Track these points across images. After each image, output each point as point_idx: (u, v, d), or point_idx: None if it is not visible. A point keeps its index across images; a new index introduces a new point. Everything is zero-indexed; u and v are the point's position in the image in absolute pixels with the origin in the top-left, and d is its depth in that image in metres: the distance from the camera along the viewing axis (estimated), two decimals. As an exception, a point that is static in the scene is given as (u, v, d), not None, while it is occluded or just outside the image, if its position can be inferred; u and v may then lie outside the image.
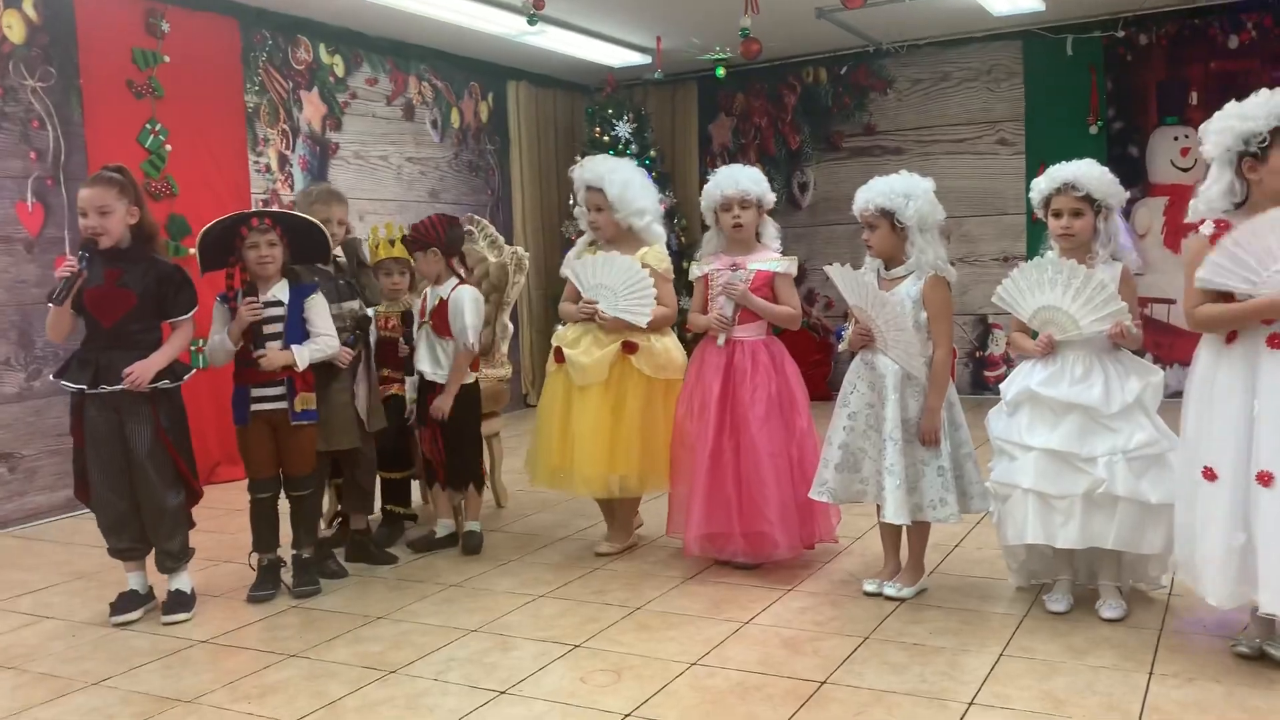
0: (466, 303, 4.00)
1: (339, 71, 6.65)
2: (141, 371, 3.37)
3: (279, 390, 3.59)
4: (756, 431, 3.68)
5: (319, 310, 3.68)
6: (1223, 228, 2.73)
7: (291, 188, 6.32)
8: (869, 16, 6.74)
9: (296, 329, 3.62)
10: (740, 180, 3.79)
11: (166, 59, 5.53)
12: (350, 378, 3.97)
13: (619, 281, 3.87)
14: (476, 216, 5.07)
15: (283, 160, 6.28)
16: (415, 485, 4.53)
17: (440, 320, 4.03)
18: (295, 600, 3.65)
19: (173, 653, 3.20)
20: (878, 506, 3.45)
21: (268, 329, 3.58)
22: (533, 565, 4.00)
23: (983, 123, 7.80)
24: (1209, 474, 2.76)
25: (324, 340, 3.68)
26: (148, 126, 5.45)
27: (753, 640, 3.14)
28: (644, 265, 3.92)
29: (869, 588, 3.50)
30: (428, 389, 4.08)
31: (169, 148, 5.54)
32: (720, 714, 2.63)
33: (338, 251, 4.09)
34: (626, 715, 2.64)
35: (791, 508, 3.69)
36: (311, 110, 6.48)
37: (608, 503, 4.16)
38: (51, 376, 3.65)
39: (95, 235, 3.36)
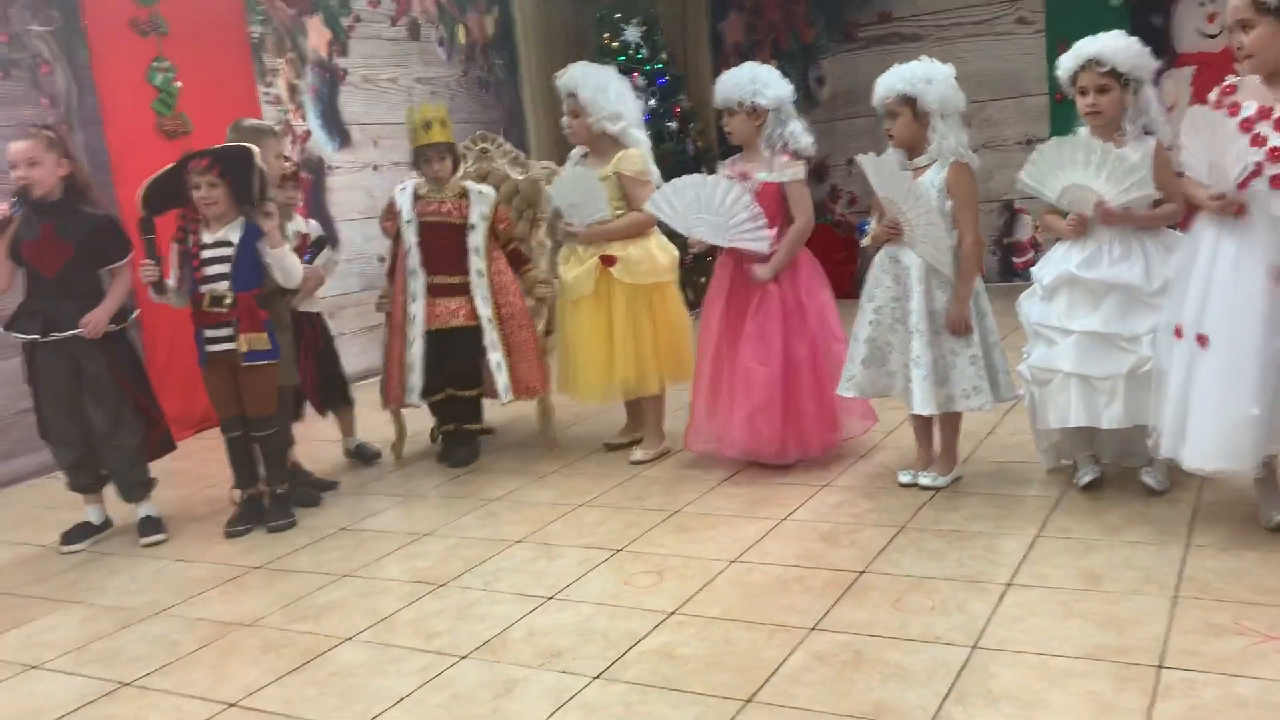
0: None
1: (341, -5, 6.54)
2: (96, 321, 3.60)
3: (229, 331, 3.62)
4: (749, 339, 3.72)
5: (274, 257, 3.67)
6: (1228, 92, 2.81)
7: (304, 118, 6.28)
8: (878, -102, 6.53)
9: (247, 269, 3.62)
10: (721, 87, 3.76)
11: (167, -7, 5.46)
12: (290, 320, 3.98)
13: (720, 208, 3.73)
14: (490, 134, 5.01)
15: (293, 90, 6.23)
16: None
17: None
18: (269, 534, 3.71)
19: (230, 579, 3.31)
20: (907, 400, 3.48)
21: (215, 269, 3.60)
22: (571, 476, 4.07)
23: (1001, 1, 7.59)
24: (1178, 333, 2.84)
25: (290, 258, 3.70)
26: (155, 64, 5.41)
27: (790, 536, 3.20)
28: (616, 172, 3.98)
29: (904, 479, 3.54)
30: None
31: (178, 84, 5.50)
32: (763, 607, 2.70)
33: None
34: (671, 613, 2.72)
35: (785, 414, 3.70)
36: (317, 37, 6.40)
37: (633, 403, 4.29)
38: (1, 328, 3.78)
39: (25, 185, 3.53)
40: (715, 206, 3.69)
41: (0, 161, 3.71)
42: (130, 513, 3.85)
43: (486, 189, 4.29)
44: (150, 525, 3.79)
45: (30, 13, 4.93)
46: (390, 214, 4.28)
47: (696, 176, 3.81)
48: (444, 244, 4.16)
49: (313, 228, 4.39)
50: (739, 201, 3.67)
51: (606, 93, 4.00)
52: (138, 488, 3.80)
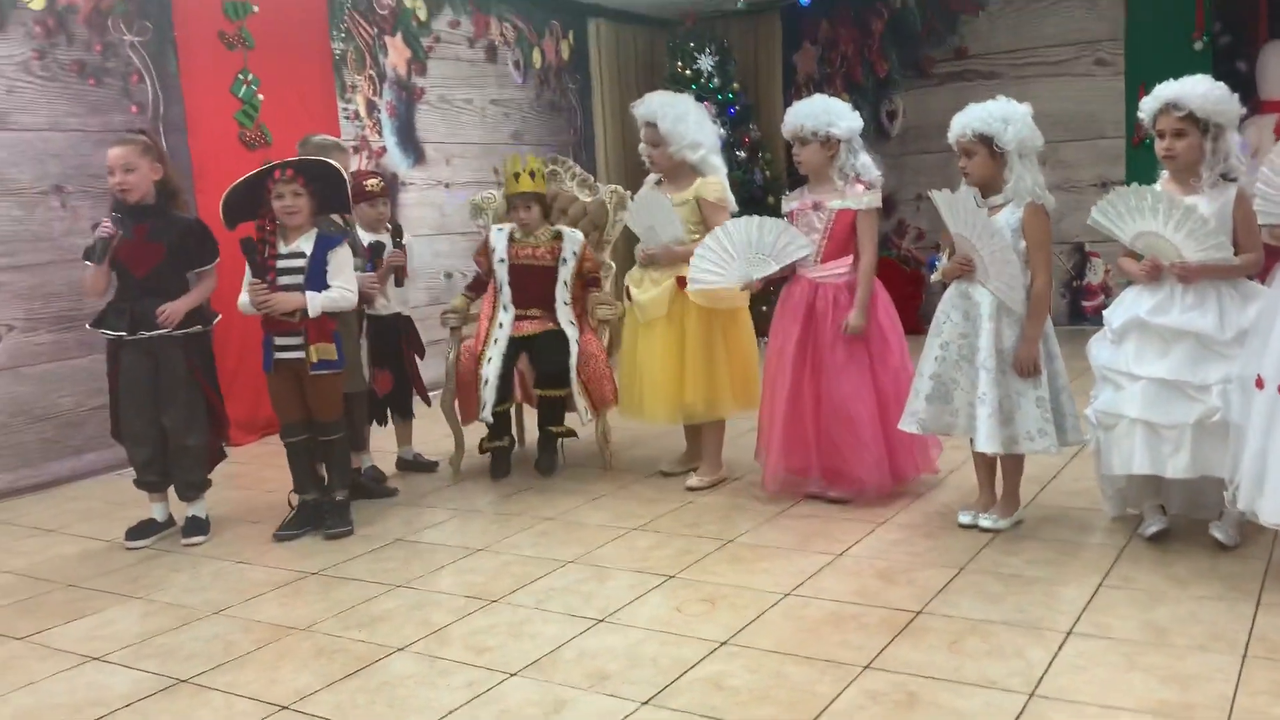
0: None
1: (422, 15, 6.68)
2: (173, 311, 3.69)
3: (298, 340, 3.69)
4: (838, 372, 3.69)
5: (340, 261, 3.74)
6: None
7: (380, 134, 6.41)
8: (959, -65, 6.51)
9: (319, 281, 3.69)
10: (794, 117, 3.75)
11: (255, 9, 5.61)
12: (358, 326, 4.08)
13: (757, 241, 3.77)
14: (560, 157, 5.09)
15: (370, 106, 6.36)
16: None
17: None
18: (326, 541, 3.75)
19: (287, 584, 3.36)
20: (970, 439, 3.44)
21: (288, 279, 3.67)
22: (626, 499, 4.07)
23: (1080, 43, 7.51)
24: (1258, 383, 2.76)
25: (339, 291, 3.71)
26: (240, 77, 5.56)
27: (846, 571, 3.17)
28: (696, 197, 4.02)
29: (964, 519, 3.48)
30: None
31: (261, 97, 5.65)
32: (815, 642, 2.67)
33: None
34: (722, 643, 2.70)
35: (874, 447, 3.70)
36: (396, 55, 6.53)
37: (694, 433, 4.30)
38: (88, 325, 3.89)
39: (123, 190, 3.65)
40: (757, 245, 3.72)
41: (77, 163, 3.84)
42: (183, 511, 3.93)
43: (574, 231, 4.49)
44: (195, 526, 3.87)
45: (124, 23, 5.10)
46: (484, 251, 4.49)
47: (729, 226, 3.79)
48: (535, 284, 4.39)
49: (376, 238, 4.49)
50: (774, 229, 3.72)
51: (686, 121, 4.03)
52: (194, 488, 3.89)
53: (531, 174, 4.35)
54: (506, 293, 4.40)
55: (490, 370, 4.25)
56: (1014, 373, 3.28)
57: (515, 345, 4.32)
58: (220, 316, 3.98)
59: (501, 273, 4.40)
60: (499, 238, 4.44)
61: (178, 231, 3.78)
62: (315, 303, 3.66)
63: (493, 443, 4.48)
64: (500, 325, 4.35)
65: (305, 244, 3.70)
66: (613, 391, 4.35)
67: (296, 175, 3.65)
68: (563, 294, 4.38)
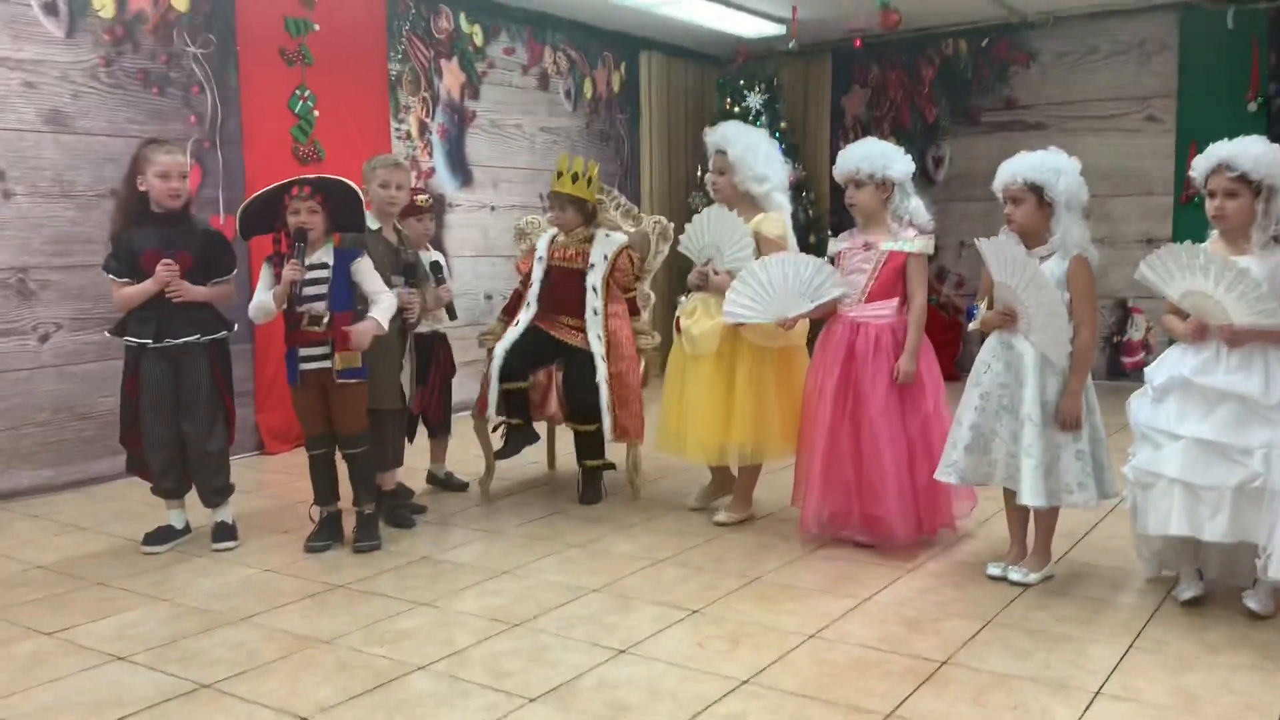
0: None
1: (478, 41, 6.78)
2: (188, 291, 3.73)
3: (324, 350, 3.72)
4: (876, 416, 3.65)
5: (367, 272, 3.78)
6: None
7: (430, 154, 6.49)
8: (1015, -13, 6.53)
9: (342, 293, 3.73)
10: (851, 158, 3.74)
11: (316, 27, 5.73)
12: (400, 345, 4.09)
13: (793, 278, 3.74)
14: (605, 185, 5.12)
15: (422, 127, 6.45)
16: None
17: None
18: (355, 554, 3.78)
19: (312, 595, 3.38)
20: (1004, 490, 3.40)
21: (312, 290, 3.71)
22: (653, 530, 4.06)
23: (1131, 98, 7.48)
24: None
25: (385, 299, 3.79)
26: (297, 92, 5.67)
27: (872, 617, 3.14)
28: (755, 232, 3.94)
29: (993, 571, 3.44)
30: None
31: (316, 113, 5.75)
32: (838, 686, 2.65)
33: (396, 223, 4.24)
34: (744, 681, 2.68)
35: (910, 493, 3.67)
36: (451, 79, 6.63)
37: (721, 469, 4.26)
38: (108, 334, 3.96)
39: (175, 196, 3.73)
40: (793, 284, 3.70)
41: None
42: (210, 518, 3.97)
43: (616, 234, 4.44)
44: (225, 531, 3.91)
45: (190, 35, 5.22)
46: (530, 252, 4.52)
47: (764, 262, 3.77)
48: (566, 288, 4.36)
49: (434, 256, 4.59)
50: (808, 268, 3.69)
51: (756, 153, 3.98)
52: (219, 493, 3.92)
53: (574, 176, 4.33)
54: (535, 290, 4.39)
55: (499, 346, 4.31)
56: (1056, 425, 3.25)
57: (540, 335, 4.32)
58: (237, 326, 4.00)
59: (538, 270, 4.42)
60: (543, 239, 4.50)
61: (204, 241, 3.85)
62: (384, 318, 3.76)
63: (506, 419, 4.42)
64: (517, 323, 4.37)
65: (326, 255, 3.74)
66: (639, 427, 4.31)
67: (315, 193, 3.69)
68: (593, 300, 4.30)
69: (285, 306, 3.72)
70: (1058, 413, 3.24)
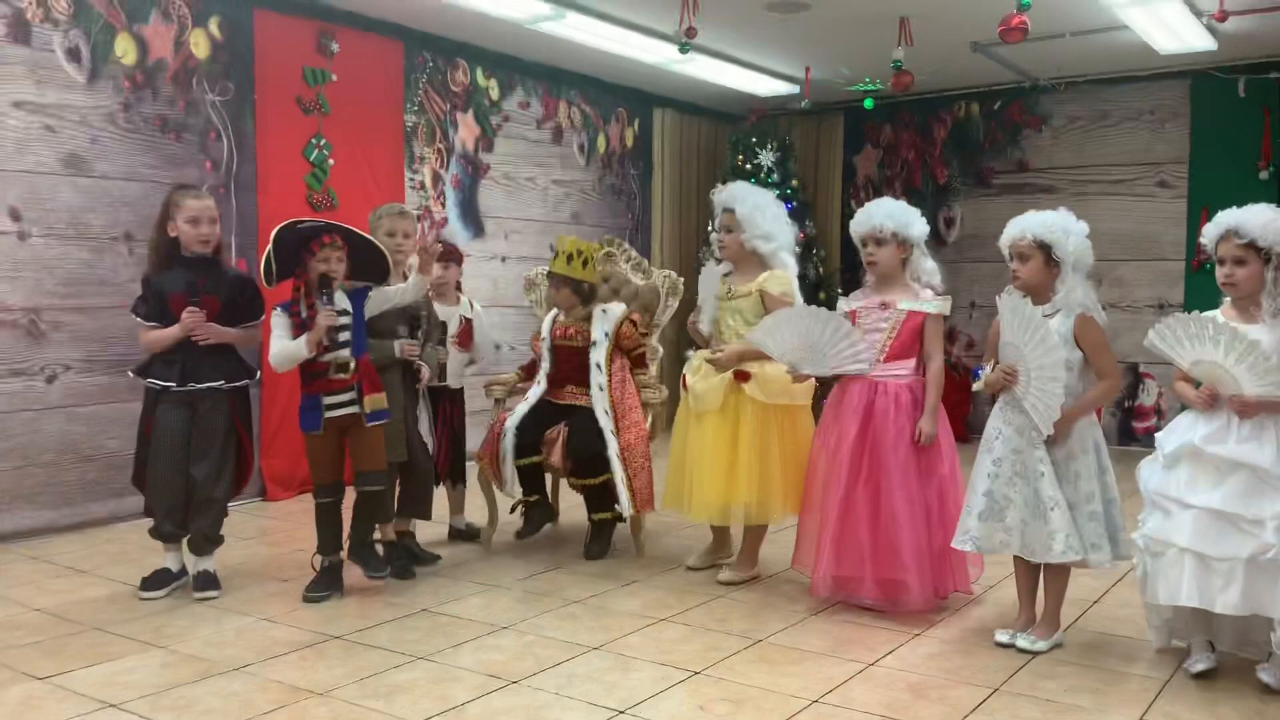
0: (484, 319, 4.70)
1: (494, 95, 6.86)
2: (215, 332, 3.77)
3: (349, 396, 3.72)
4: (896, 477, 3.59)
5: (379, 299, 3.83)
6: None
7: (444, 205, 6.54)
8: (1027, 52, 6.58)
9: (360, 335, 3.76)
10: (874, 216, 3.73)
11: (334, 78, 5.80)
12: (404, 395, 4.05)
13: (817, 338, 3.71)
14: (616, 239, 5.15)
15: (436, 178, 6.50)
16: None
17: (465, 335, 4.58)
18: (369, 581, 3.84)
19: (309, 645, 3.33)
20: (1015, 558, 3.36)
21: (340, 335, 3.72)
22: (655, 588, 4.01)
23: (1143, 164, 7.51)
24: None
25: (394, 291, 3.86)
26: (313, 141, 5.73)
27: (878, 682, 3.08)
28: (760, 290, 3.96)
29: (1001, 638, 3.38)
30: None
31: (332, 162, 5.81)
32: (840, 754, 2.59)
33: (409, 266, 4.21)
34: (745, 746, 2.62)
35: (926, 556, 3.61)
36: (466, 131, 6.70)
37: (721, 529, 4.24)
38: (131, 373, 3.95)
39: (204, 242, 3.77)
40: (817, 339, 3.67)
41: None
42: (193, 565, 3.91)
43: (612, 307, 4.45)
44: (209, 580, 3.86)
45: (209, 82, 5.29)
46: (538, 334, 4.61)
47: (800, 309, 3.77)
48: (570, 365, 4.43)
49: (470, 310, 4.68)
50: (838, 331, 3.66)
51: (763, 212, 4.01)
52: (211, 542, 3.89)
53: (569, 257, 4.33)
54: (544, 368, 4.50)
55: (510, 422, 4.36)
56: (1061, 479, 3.21)
57: (549, 408, 4.40)
58: (260, 372, 4.01)
59: (544, 350, 4.51)
60: (547, 320, 4.56)
61: (234, 286, 3.88)
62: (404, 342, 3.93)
63: (523, 498, 4.45)
64: (528, 399, 4.48)
65: (343, 302, 3.75)
66: (648, 498, 4.29)
67: (345, 243, 3.71)
68: (597, 377, 4.32)
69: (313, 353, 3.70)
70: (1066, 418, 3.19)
